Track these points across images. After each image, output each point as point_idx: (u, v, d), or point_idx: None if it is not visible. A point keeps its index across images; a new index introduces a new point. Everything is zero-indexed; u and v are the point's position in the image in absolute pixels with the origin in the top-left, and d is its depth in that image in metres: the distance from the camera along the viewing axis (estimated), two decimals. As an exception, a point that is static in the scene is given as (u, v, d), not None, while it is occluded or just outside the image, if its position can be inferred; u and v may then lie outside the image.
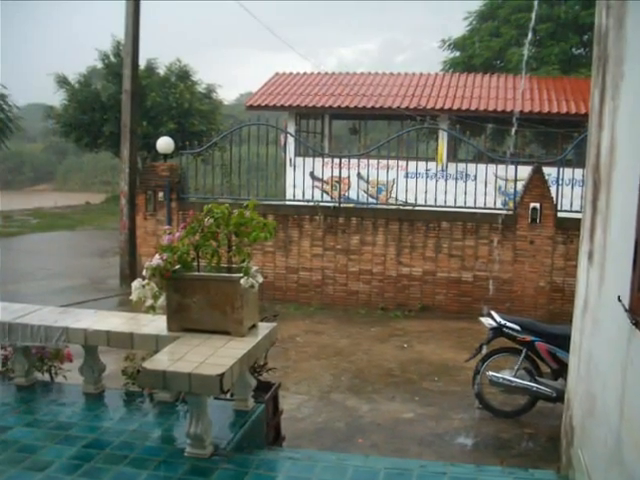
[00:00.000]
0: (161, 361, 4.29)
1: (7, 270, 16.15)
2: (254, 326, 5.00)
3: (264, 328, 5.05)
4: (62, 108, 31.16)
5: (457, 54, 32.07)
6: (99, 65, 31.51)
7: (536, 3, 26.86)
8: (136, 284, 4.89)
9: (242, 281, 4.66)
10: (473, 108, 19.12)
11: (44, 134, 60.54)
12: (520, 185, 12.22)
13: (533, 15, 27.07)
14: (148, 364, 4.24)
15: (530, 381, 7.03)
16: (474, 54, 29.64)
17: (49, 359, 5.75)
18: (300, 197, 14.02)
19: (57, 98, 31.90)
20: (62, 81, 30.67)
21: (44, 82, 32.93)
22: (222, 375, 4.01)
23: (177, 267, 4.82)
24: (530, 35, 26.17)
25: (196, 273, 4.85)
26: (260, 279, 4.81)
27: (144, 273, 4.85)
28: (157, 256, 4.86)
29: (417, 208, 12.56)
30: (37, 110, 37.51)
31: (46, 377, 5.76)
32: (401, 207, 13.04)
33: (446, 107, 19.24)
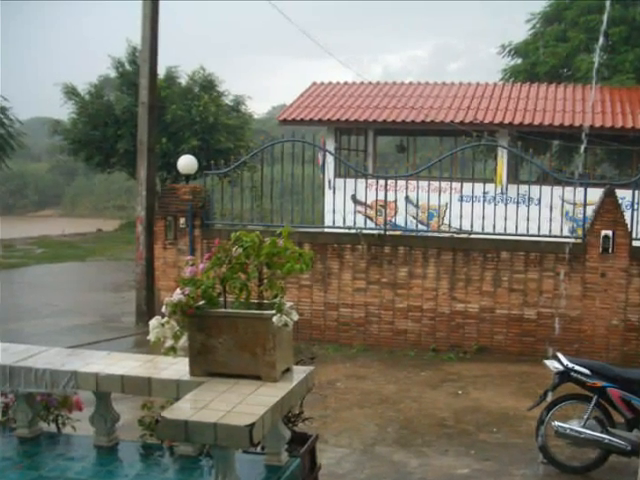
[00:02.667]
0: (183, 410, 4.31)
1: (8, 306, 16.38)
2: (288, 370, 5.00)
3: (300, 372, 5.06)
4: (70, 122, 31.44)
5: (519, 61, 31.92)
6: (112, 74, 31.98)
7: (608, 3, 26.66)
8: (154, 322, 4.94)
9: (275, 319, 4.69)
10: (537, 123, 19.02)
11: (50, 152, 61.08)
12: (590, 210, 12.16)
13: (605, 17, 26.92)
14: (168, 413, 4.27)
15: (601, 432, 6.98)
16: (538, 61, 29.44)
17: (56, 407, 5.74)
18: (340, 223, 14.03)
19: (65, 111, 32.24)
20: (70, 92, 30.86)
21: (50, 93, 33.19)
22: (252, 426, 4.02)
23: (201, 303, 4.87)
24: (601, 40, 25.98)
25: (222, 310, 4.88)
26: (295, 317, 4.83)
27: (163, 310, 4.90)
28: (178, 290, 4.91)
29: (473, 236, 12.54)
30: (42, 125, 37.97)
31: (52, 428, 5.76)
32: (455, 235, 13.03)
33: (506, 121, 19.19)
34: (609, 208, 11.70)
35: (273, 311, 4.72)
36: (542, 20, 31.91)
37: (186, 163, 13.63)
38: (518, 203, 12.94)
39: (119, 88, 30.56)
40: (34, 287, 20.16)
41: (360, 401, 9.61)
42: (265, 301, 4.96)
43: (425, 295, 12.47)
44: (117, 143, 29.16)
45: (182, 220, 13.39)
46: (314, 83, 22.61)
